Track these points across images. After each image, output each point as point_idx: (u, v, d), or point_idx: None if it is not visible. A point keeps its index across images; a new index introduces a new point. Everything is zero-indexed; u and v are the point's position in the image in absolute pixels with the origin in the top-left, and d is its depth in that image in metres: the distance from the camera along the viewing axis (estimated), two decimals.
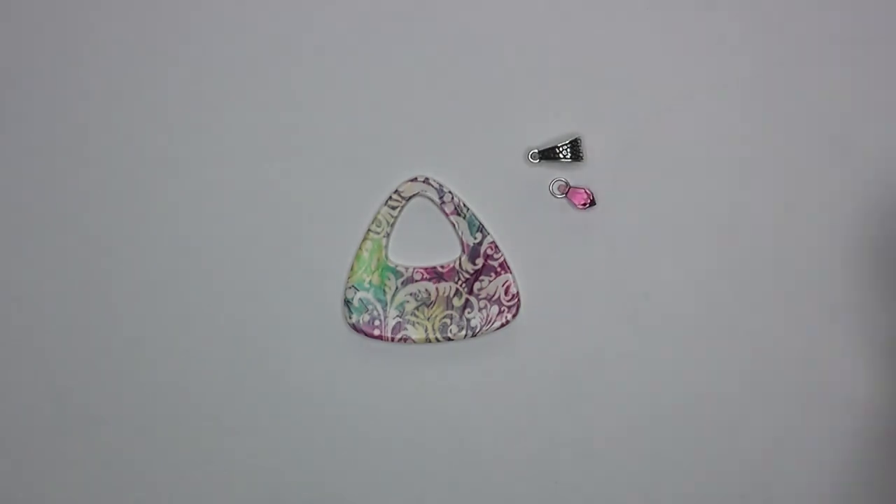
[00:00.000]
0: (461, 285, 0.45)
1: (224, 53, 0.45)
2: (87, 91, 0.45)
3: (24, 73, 0.45)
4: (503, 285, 0.45)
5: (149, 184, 0.45)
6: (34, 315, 0.45)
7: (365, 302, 0.45)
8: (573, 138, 0.45)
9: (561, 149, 0.44)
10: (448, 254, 0.45)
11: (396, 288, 0.45)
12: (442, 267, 0.45)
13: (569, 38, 0.45)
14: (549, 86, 0.45)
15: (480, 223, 0.45)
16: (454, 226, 0.45)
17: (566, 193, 0.45)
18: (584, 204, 0.45)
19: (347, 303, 0.45)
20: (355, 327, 0.45)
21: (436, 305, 0.45)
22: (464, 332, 0.45)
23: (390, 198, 0.45)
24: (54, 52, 0.45)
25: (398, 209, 0.45)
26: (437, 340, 0.45)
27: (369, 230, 0.45)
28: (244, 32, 0.45)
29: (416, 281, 0.45)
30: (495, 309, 0.45)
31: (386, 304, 0.45)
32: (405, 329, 0.45)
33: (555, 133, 0.45)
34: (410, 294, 0.45)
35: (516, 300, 0.45)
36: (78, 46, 0.45)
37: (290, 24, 0.45)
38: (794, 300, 0.45)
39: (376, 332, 0.45)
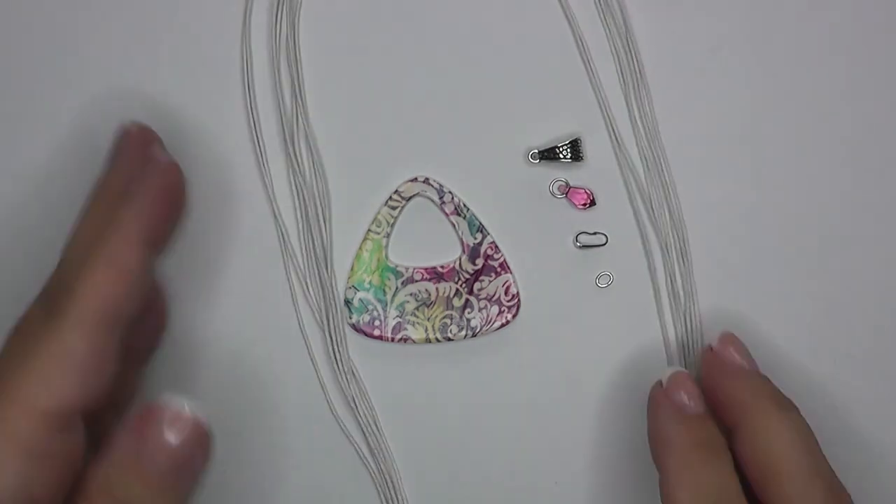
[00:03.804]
0: (461, 285, 0.45)
1: (224, 54, 0.45)
2: (85, 91, 0.45)
3: (24, 73, 0.45)
4: (503, 285, 0.45)
5: None
6: None
7: (365, 302, 0.45)
8: (573, 138, 0.45)
9: (561, 149, 0.44)
10: (448, 254, 0.45)
11: (396, 288, 0.45)
12: (442, 267, 0.45)
13: (569, 37, 0.45)
14: (549, 86, 0.45)
15: (480, 223, 0.45)
16: (454, 226, 0.45)
17: (566, 194, 0.45)
18: (585, 204, 0.45)
19: (347, 303, 0.45)
20: (355, 327, 0.45)
21: (436, 305, 0.45)
22: (464, 332, 0.45)
23: (390, 198, 0.45)
24: (55, 51, 0.45)
25: (398, 209, 0.45)
26: (437, 340, 0.45)
27: (369, 230, 0.45)
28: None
29: (416, 281, 0.45)
30: (495, 309, 0.45)
31: (386, 305, 0.45)
32: (405, 329, 0.45)
33: (555, 133, 0.45)
34: (410, 294, 0.45)
35: (516, 300, 0.45)
36: (77, 45, 0.45)
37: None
38: (794, 300, 0.45)
39: (376, 332, 0.45)
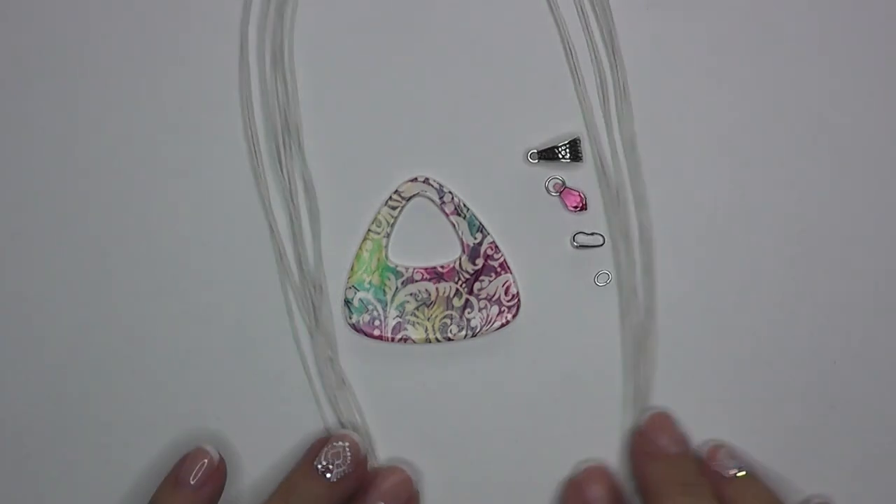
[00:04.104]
0: (461, 285, 0.45)
1: (223, 54, 0.45)
2: (84, 93, 0.46)
3: (25, 73, 0.46)
4: (503, 285, 0.45)
5: (147, 185, 0.45)
6: (32, 314, 0.46)
7: (365, 302, 0.45)
8: (572, 139, 0.45)
9: (560, 149, 0.44)
10: (448, 254, 0.46)
11: (396, 288, 0.45)
12: (442, 267, 0.45)
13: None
14: (548, 86, 0.45)
15: (480, 223, 0.45)
16: (454, 226, 0.45)
17: (560, 193, 0.45)
18: (576, 207, 0.45)
19: (347, 303, 0.45)
20: (355, 327, 0.45)
21: (436, 305, 0.45)
22: (464, 332, 0.45)
23: (390, 198, 0.45)
24: (55, 52, 0.46)
25: (398, 209, 0.45)
26: (437, 340, 0.45)
27: (369, 230, 0.45)
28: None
29: (416, 281, 0.45)
30: (495, 309, 0.45)
31: (386, 305, 0.45)
32: (405, 329, 0.45)
33: (554, 133, 0.45)
34: (410, 294, 0.45)
35: (516, 300, 0.45)
36: (78, 47, 0.46)
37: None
38: (791, 300, 0.45)
39: (376, 332, 0.45)
